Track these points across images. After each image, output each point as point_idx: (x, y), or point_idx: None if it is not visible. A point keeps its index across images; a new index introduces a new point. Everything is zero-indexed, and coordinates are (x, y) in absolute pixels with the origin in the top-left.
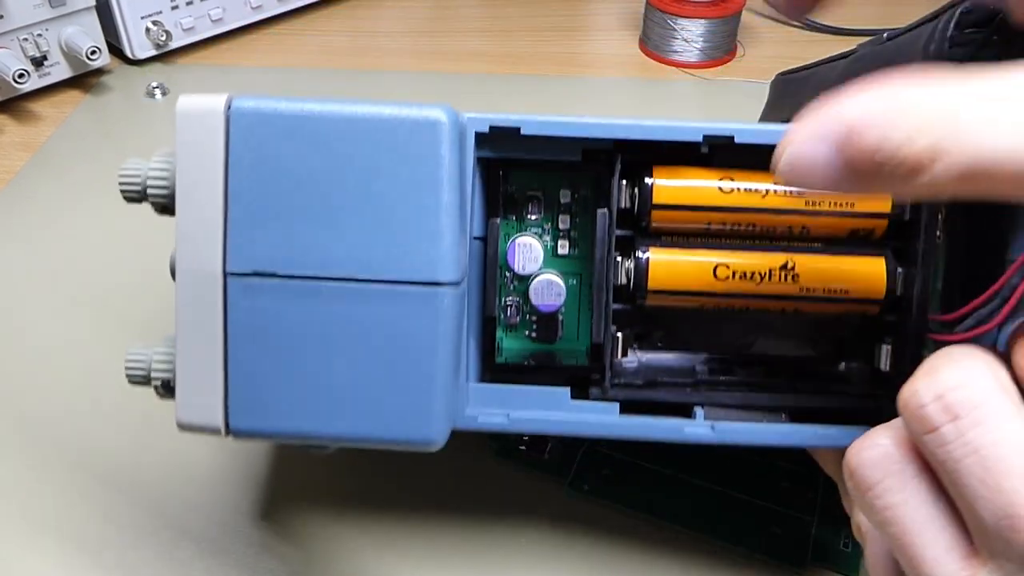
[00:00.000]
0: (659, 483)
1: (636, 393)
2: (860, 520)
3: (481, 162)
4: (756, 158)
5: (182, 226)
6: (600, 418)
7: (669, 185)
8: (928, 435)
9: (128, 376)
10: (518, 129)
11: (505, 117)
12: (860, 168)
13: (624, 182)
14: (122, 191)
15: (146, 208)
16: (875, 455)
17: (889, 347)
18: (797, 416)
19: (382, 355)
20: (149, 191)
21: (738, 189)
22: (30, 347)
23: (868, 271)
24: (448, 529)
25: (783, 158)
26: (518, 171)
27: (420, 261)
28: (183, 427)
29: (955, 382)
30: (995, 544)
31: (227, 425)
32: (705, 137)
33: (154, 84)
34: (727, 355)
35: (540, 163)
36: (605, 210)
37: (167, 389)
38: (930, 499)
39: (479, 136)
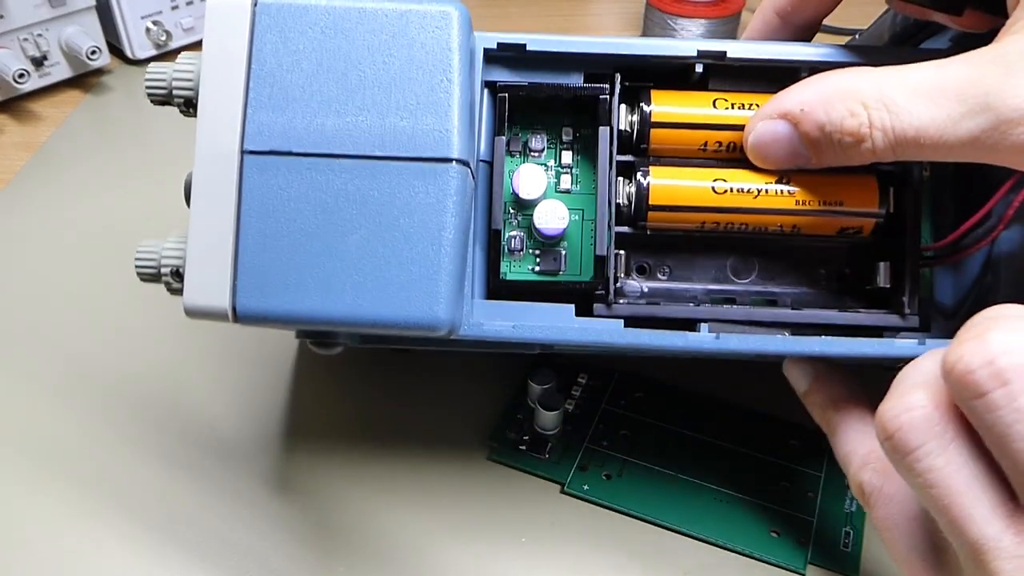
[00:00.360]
0: (659, 484)
1: (640, 309)
2: (863, 480)
3: (488, 87)
4: (748, 82)
5: (204, 111)
6: (605, 327)
7: (667, 108)
8: (976, 400)
9: (139, 271)
10: (524, 45)
11: (512, 35)
12: (814, 139)
13: (624, 107)
14: (148, 93)
15: (145, 208)
16: (915, 418)
17: (888, 264)
18: (800, 334)
19: (392, 233)
20: (175, 88)
21: (731, 109)
22: (31, 346)
23: (861, 183)
24: (448, 529)
25: (750, 138)
26: (522, 111)
27: (432, 138)
28: (190, 312)
29: (1004, 347)
30: None
31: (234, 309)
32: (699, 52)
33: None
34: (728, 285)
35: (542, 100)
36: (607, 127)
37: (177, 278)
38: (972, 460)
39: (488, 55)
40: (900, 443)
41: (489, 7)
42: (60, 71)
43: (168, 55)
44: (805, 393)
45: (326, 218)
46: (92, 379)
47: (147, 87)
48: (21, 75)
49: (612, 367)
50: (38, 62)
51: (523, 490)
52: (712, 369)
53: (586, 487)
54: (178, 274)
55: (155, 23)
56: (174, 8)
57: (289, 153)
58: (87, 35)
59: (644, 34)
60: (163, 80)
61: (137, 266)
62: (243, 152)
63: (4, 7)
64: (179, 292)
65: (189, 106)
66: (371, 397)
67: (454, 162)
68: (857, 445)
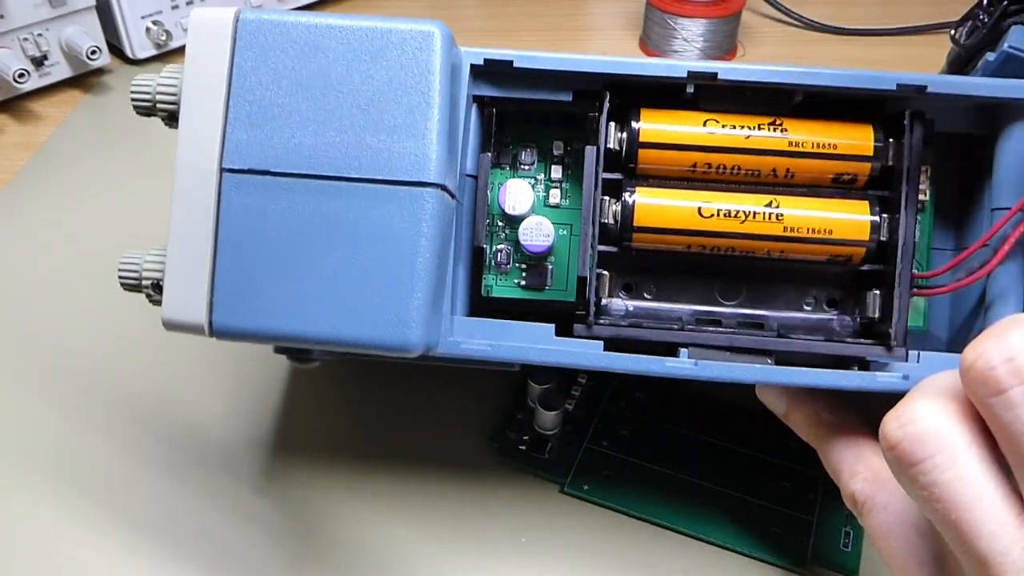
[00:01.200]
0: (659, 484)
1: (621, 331)
2: (855, 489)
3: (477, 102)
4: (741, 103)
5: (185, 126)
6: (583, 350)
7: (656, 127)
8: (994, 398)
9: (121, 280)
10: (511, 62)
11: (499, 51)
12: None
13: (613, 124)
14: (133, 103)
15: (146, 208)
16: (922, 429)
17: (877, 293)
18: (783, 362)
19: (366, 255)
20: (158, 101)
21: (723, 129)
22: (31, 346)
23: (852, 211)
24: (448, 528)
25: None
26: (514, 123)
27: (409, 162)
28: (168, 325)
29: None
30: None
31: (210, 324)
32: (689, 73)
33: None
34: (714, 306)
35: (534, 113)
36: (593, 147)
37: (157, 290)
38: (981, 472)
39: (475, 70)
40: (904, 454)
41: (488, 6)
42: (60, 71)
43: (168, 55)
44: (785, 414)
45: (302, 238)
46: (88, 379)
47: (132, 98)
48: (21, 75)
49: None
50: (38, 62)
51: (523, 490)
52: None
53: (586, 487)
54: (158, 287)
55: (155, 23)
56: (174, 8)
57: (267, 172)
58: (87, 35)
59: (644, 34)
60: (147, 91)
61: (120, 276)
62: (222, 170)
63: (4, 7)
64: (159, 303)
65: (172, 119)
66: (369, 397)
67: (430, 187)
68: (845, 455)
